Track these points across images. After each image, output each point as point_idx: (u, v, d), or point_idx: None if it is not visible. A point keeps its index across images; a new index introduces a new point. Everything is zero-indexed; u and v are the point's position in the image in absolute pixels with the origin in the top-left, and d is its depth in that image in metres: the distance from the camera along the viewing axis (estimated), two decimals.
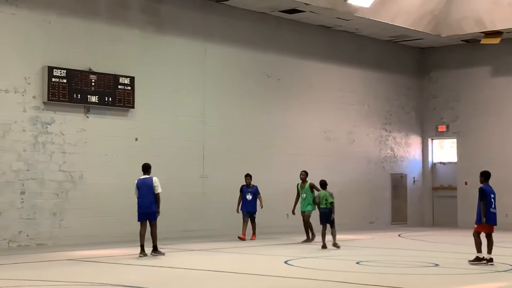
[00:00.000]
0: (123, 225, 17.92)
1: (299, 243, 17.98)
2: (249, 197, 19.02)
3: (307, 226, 18.58)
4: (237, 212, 18.99)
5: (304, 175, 18.61)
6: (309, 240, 18.45)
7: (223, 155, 20.70)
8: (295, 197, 18.89)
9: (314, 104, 23.48)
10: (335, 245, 16.49)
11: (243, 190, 19.11)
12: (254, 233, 19.20)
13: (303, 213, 18.57)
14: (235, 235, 19.08)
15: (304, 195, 18.47)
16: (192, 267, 12.77)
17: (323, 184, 17.20)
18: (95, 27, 18.21)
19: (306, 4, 20.65)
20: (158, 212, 14.92)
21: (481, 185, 13.70)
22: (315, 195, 17.94)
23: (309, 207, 18.42)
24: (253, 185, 19.14)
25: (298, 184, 18.75)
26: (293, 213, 18.93)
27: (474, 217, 13.72)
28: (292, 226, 22.20)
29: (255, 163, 21.55)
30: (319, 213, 17.12)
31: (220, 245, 17.28)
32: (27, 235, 16.75)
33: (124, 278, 11.52)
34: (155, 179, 14.89)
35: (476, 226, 13.40)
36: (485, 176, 13.80)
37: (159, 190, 14.87)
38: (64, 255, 14.75)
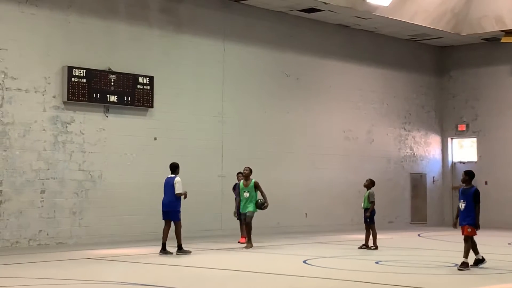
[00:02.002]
0: (143, 224, 18.00)
1: (242, 248, 16.29)
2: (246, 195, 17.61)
3: (249, 229, 16.42)
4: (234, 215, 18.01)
5: (248, 171, 16.58)
6: (250, 244, 16.34)
7: (242, 155, 20.71)
8: (235, 197, 17.17)
9: (333, 103, 23.44)
10: (372, 246, 16.41)
11: (236, 189, 17.76)
12: (244, 235, 17.55)
13: (243, 214, 16.50)
14: (254, 234, 19.02)
15: (247, 193, 16.37)
16: (211, 267, 12.79)
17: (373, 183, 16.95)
18: (114, 27, 18.29)
19: (325, 3, 20.61)
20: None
21: (472, 185, 12.95)
22: (258, 197, 16.45)
23: (251, 208, 16.32)
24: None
25: (240, 183, 16.80)
26: (235, 215, 17.11)
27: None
28: (311, 225, 22.22)
29: (274, 163, 21.56)
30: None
31: (239, 244, 17.27)
32: (47, 234, 16.86)
33: (145, 277, 11.56)
34: (176, 179, 15.02)
35: (470, 230, 12.62)
36: (470, 176, 13.11)
37: (178, 190, 14.93)
38: (84, 254, 14.83)
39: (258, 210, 16.51)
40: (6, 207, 16.27)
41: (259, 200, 16.42)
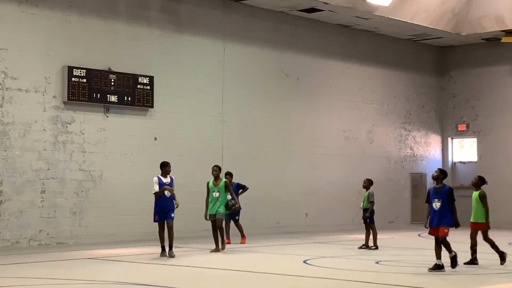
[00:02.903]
0: (143, 224, 18.00)
1: (210, 252, 15.22)
2: (228, 196, 16.63)
3: (221, 231, 15.38)
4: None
5: (217, 171, 15.48)
6: (218, 249, 15.28)
7: (242, 155, 20.72)
8: (205, 197, 15.57)
9: (333, 103, 23.44)
10: (372, 246, 16.40)
11: None
12: (243, 235, 17.60)
13: (213, 216, 15.26)
14: (254, 234, 19.07)
15: (217, 193, 15.26)
16: (211, 266, 12.79)
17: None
18: (114, 27, 18.29)
19: (325, 3, 20.61)
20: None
21: (444, 184, 12.53)
22: (229, 197, 15.61)
23: (221, 209, 15.27)
24: (234, 182, 17.56)
25: (209, 182, 15.50)
26: (207, 218, 15.42)
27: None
28: (311, 225, 22.22)
29: (274, 163, 21.56)
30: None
31: (239, 244, 17.27)
32: (48, 234, 16.87)
33: (145, 277, 11.56)
34: (154, 179, 14.37)
35: (447, 230, 12.22)
36: (444, 174, 12.67)
37: (153, 190, 14.27)
38: (84, 254, 14.83)
39: (228, 212, 15.66)
40: (6, 207, 16.28)
41: (229, 201, 15.47)
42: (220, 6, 20.48)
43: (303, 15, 22.11)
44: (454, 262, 12.26)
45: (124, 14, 18.51)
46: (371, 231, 16.65)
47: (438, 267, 12.08)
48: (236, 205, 15.87)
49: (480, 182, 13.67)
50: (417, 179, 26.17)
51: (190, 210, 18.30)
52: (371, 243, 16.51)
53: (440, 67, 27.23)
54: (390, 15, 22.12)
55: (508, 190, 25.17)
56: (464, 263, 12.95)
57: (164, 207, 14.23)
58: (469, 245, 13.40)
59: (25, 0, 16.77)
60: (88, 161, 17.65)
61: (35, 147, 16.79)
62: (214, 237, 15.31)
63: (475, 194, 13.64)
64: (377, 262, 13.57)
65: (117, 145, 18.16)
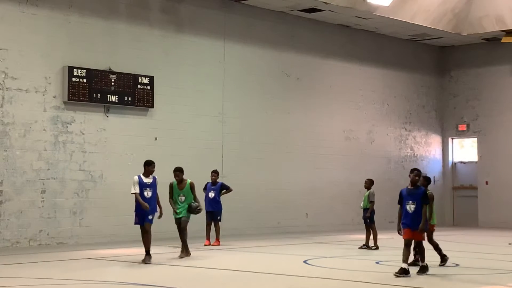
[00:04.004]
0: None
1: (178, 257, 14.29)
2: (211, 194, 16.96)
3: (185, 235, 14.48)
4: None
5: (179, 175, 14.51)
6: (187, 252, 14.44)
7: (242, 155, 20.72)
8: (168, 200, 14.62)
9: (334, 103, 23.44)
10: (373, 246, 16.38)
11: (207, 188, 17.23)
12: (217, 238, 16.97)
13: (179, 219, 14.43)
14: (255, 234, 19.08)
15: (183, 197, 14.46)
16: (211, 267, 12.79)
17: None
18: (115, 27, 18.29)
19: (326, 3, 20.60)
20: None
21: (419, 186, 12.02)
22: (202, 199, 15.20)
23: (184, 212, 14.41)
24: (218, 182, 17.21)
25: (173, 184, 14.59)
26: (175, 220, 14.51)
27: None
28: (311, 225, 22.22)
29: (274, 163, 21.56)
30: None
31: (239, 244, 17.28)
32: (48, 234, 16.87)
33: (145, 277, 11.56)
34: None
35: (421, 234, 11.86)
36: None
37: (132, 190, 13.35)
38: (85, 254, 14.83)
39: (191, 214, 14.55)
40: (6, 207, 16.27)
41: (192, 204, 14.42)
42: (220, 6, 20.47)
43: (304, 15, 22.10)
44: (423, 271, 11.88)
45: (124, 14, 18.51)
46: (371, 231, 16.64)
47: (404, 272, 11.50)
48: (199, 207, 14.53)
49: (426, 182, 13.17)
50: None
51: None
52: (371, 243, 16.51)
53: (440, 67, 27.22)
54: (390, 15, 22.12)
55: (509, 190, 25.15)
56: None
57: (143, 210, 13.24)
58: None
59: (25, 0, 16.77)
60: (88, 161, 17.65)
61: (35, 147, 16.79)
62: (182, 239, 14.38)
63: None
64: (377, 262, 13.57)
65: (117, 145, 18.16)
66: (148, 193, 13.33)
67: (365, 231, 16.83)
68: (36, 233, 16.68)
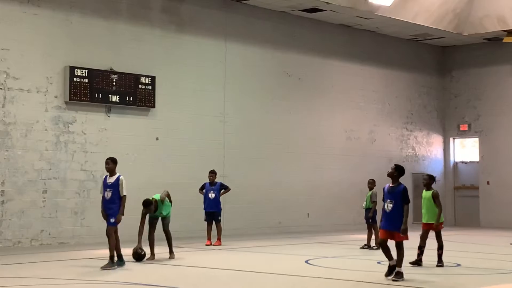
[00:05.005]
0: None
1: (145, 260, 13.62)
2: (211, 195, 16.91)
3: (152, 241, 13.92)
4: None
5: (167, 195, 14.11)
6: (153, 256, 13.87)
7: (243, 155, 20.72)
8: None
9: (335, 103, 23.43)
10: (374, 246, 16.33)
11: (205, 188, 17.14)
12: (218, 238, 16.91)
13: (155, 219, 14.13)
14: (256, 234, 19.07)
15: (162, 213, 14.10)
16: (213, 266, 12.78)
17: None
18: (116, 27, 18.30)
19: (327, 3, 20.60)
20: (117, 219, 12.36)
21: (399, 183, 11.18)
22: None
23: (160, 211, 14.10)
24: (217, 182, 17.18)
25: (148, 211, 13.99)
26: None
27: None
28: (313, 225, 22.22)
29: (276, 163, 21.56)
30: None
31: (240, 244, 17.28)
32: (49, 234, 16.87)
33: (146, 277, 11.55)
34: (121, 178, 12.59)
35: (403, 235, 11.01)
36: (400, 171, 11.24)
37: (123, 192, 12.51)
38: (86, 254, 14.82)
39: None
40: (8, 207, 16.28)
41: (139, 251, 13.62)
42: (221, 6, 20.47)
43: (305, 15, 22.10)
44: (391, 271, 11.13)
45: (125, 14, 18.51)
46: (373, 231, 16.64)
47: (394, 268, 11.08)
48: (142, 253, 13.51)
49: (430, 180, 13.16)
50: (418, 179, 26.04)
51: (190, 210, 18.32)
52: (373, 243, 16.51)
53: (441, 67, 27.22)
54: (391, 15, 22.11)
55: (510, 190, 25.14)
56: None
57: (104, 210, 12.52)
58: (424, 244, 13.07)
59: (26, 0, 16.78)
60: (89, 161, 17.65)
61: (36, 147, 16.79)
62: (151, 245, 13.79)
63: (428, 193, 13.09)
64: (379, 262, 13.56)
65: (118, 145, 18.16)
66: (108, 194, 12.45)
67: (366, 231, 16.83)
68: (37, 233, 16.68)
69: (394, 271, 11.09)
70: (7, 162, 16.33)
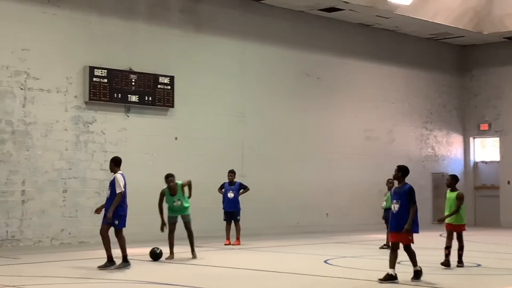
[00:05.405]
0: None
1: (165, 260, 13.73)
2: (230, 195, 16.97)
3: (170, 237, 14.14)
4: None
5: (172, 181, 14.12)
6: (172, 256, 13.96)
7: (262, 154, 20.72)
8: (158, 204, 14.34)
9: (354, 103, 23.36)
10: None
11: (224, 188, 17.22)
12: (237, 238, 16.97)
13: (175, 218, 14.32)
14: (274, 234, 19.05)
15: (179, 202, 14.13)
16: (231, 266, 12.80)
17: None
18: (135, 27, 18.36)
19: (346, 2, 20.55)
20: (108, 217, 12.43)
21: (405, 183, 11.07)
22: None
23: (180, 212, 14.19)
24: (236, 182, 17.24)
25: (164, 191, 14.33)
26: (163, 228, 14.14)
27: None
28: (331, 225, 22.16)
29: (294, 162, 21.53)
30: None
31: (259, 244, 17.27)
32: (69, 233, 16.97)
33: (165, 276, 11.59)
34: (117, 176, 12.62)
35: (410, 237, 10.87)
36: (404, 172, 11.15)
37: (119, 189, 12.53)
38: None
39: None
40: (28, 206, 16.39)
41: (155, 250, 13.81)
42: (239, 6, 20.48)
43: (323, 14, 22.05)
44: (417, 276, 10.89)
45: (144, 14, 18.57)
46: None
47: (390, 278, 10.63)
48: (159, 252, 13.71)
49: (454, 181, 13.05)
50: (438, 179, 25.97)
51: (209, 210, 18.33)
52: None
53: (461, 66, 27.04)
54: (411, 14, 22.01)
55: None
56: (441, 263, 12.66)
57: (103, 208, 12.80)
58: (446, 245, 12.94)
59: (46, 1, 16.88)
60: (109, 161, 17.68)
61: (56, 147, 16.89)
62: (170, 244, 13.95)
63: (452, 195, 13.00)
64: (398, 262, 13.48)
65: (138, 145, 18.23)
66: (108, 193, 12.72)
67: (385, 230, 16.74)
68: (57, 232, 16.78)
69: (419, 276, 10.88)
70: (28, 162, 16.45)
